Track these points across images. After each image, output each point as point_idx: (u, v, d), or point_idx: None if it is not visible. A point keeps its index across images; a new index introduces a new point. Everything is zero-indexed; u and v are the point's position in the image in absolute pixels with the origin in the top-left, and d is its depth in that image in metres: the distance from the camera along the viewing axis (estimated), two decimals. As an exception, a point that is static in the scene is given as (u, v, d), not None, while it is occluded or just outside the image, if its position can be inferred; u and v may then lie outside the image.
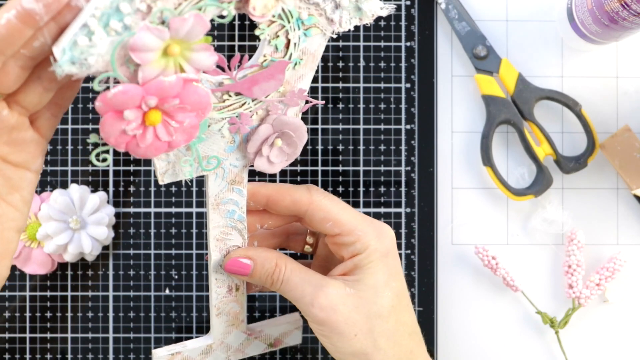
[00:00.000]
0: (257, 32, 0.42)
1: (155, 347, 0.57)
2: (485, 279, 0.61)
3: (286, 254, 0.48)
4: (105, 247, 0.59)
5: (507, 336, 0.61)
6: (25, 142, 0.36)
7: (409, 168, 0.60)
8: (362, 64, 0.60)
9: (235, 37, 0.60)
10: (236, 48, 0.60)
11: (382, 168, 0.60)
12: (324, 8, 0.43)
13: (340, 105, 0.60)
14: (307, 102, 0.45)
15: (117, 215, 0.59)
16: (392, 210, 0.60)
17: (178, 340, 0.59)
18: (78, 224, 0.56)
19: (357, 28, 0.60)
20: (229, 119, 0.44)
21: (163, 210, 0.60)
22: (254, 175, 0.59)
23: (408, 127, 0.60)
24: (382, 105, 0.60)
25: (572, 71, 0.61)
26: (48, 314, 0.59)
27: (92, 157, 0.38)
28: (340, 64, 0.60)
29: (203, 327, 0.59)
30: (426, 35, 0.60)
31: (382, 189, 0.60)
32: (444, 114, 0.61)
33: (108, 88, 0.35)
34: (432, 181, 0.60)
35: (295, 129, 0.45)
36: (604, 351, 0.61)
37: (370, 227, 0.45)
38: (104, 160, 0.40)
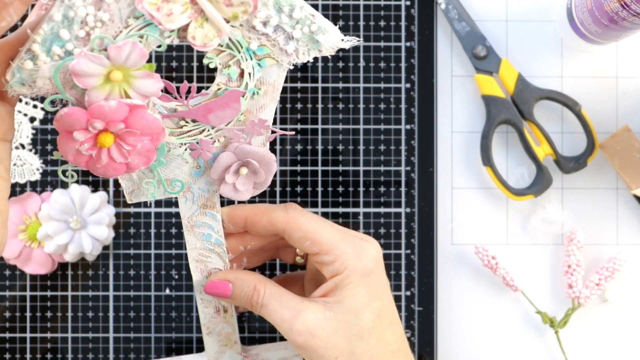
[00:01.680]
0: (205, 60, 0.42)
1: (154, 347, 0.57)
2: (485, 279, 0.61)
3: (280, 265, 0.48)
4: (106, 247, 0.59)
5: (507, 336, 0.61)
6: (1, 116, 0.37)
7: (409, 168, 0.60)
8: (362, 64, 0.60)
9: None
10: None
11: (382, 168, 0.60)
12: (276, 39, 0.42)
13: (340, 105, 0.60)
14: (273, 132, 0.45)
15: (117, 215, 0.59)
16: (392, 210, 0.60)
17: (178, 340, 0.60)
18: (78, 224, 0.56)
19: (356, 28, 0.60)
20: (190, 144, 0.44)
21: (163, 210, 0.60)
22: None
23: (408, 127, 0.60)
24: (382, 105, 0.60)
25: (571, 71, 0.61)
26: (48, 314, 0.59)
27: (60, 174, 0.41)
28: (340, 64, 0.60)
29: (203, 327, 0.59)
30: (426, 36, 0.60)
31: (382, 189, 0.60)
32: (444, 114, 0.61)
33: (65, 106, 0.37)
34: (432, 181, 0.60)
35: (260, 159, 0.45)
36: (603, 351, 0.61)
37: (350, 245, 0.45)
38: (72, 176, 0.42)
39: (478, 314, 0.61)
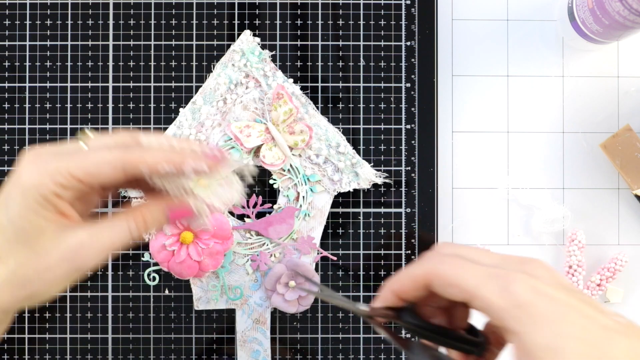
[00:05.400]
0: (271, 181, 0.57)
1: (154, 347, 0.56)
2: (486, 280, 0.61)
3: None
4: (105, 248, 0.59)
5: (507, 337, 0.61)
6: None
7: (409, 168, 0.60)
8: (362, 63, 0.60)
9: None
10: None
11: (382, 168, 0.60)
12: (325, 169, 0.56)
13: (340, 105, 0.60)
14: (318, 252, 0.57)
15: (116, 215, 0.59)
16: (392, 210, 0.60)
17: (177, 341, 0.59)
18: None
19: (356, 27, 0.60)
20: (251, 256, 0.56)
21: (162, 210, 0.60)
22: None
23: (408, 127, 0.60)
24: (382, 105, 0.60)
25: (573, 71, 0.61)
26: (47, 315, 0.59)
27: (145, 276, 0.55)
28: (340, 64, 0.60)
29: (203, 328, 0.59)
30: (426, 35, 0.60)
31: (382, 189, 0.60)
32: (444, 114, 0.61)
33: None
34: (432, 181, 0.60)
35: (306, 272, 0.55)
36: (605, 352, 0.60)
37: (492, 281, 0.35)
38: (154, 279, 0.57)
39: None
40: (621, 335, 0.34)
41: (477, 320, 0.39)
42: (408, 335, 0.53)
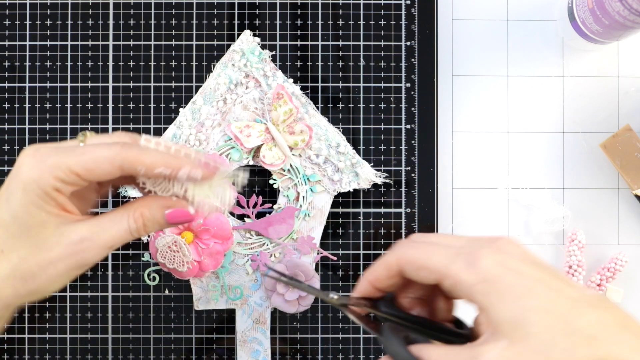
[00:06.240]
0: (271, 181, 0.57)
1: (153, 347, 0.56)
2: (486, 280, 0.61)
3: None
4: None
5: (507, 337, 0.61)
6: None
7: (409, 168, 0.60)
8: (362, 63, 0.60)
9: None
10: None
11: (382, 168, 0.60)
12: (325, 169, 0.56)
13: (340, 105, 0.60)
14: (319, 253, 0.57)
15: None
16: (392, 210, 0.60)
17: (177, 341, 0.59)
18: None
19: (356, 27, 0.60)
20: (251, 256, 0.56)
21: (162, 210, 0.60)
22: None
23: (408, 127, 0.60)
24: (382, 105, 0.60)
25: (573, 71, 0.61)
26: (47, 315, 0.59)
27: (145, 276, 0.55)
28: (340, 64, 0.60)
29: (203, 328, 0.59)
30: (426, 35, 0.60)
31: (382, 189, 0.60)
32: (444, 114, 0.61)
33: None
34: (432, 181, 0.60)
35: (306, 272, 0.55)
36: (605, 352, 0.60)
37: (459, 258, 0.35)
38: (154, 279, 0.57)
39: (479, 315, 0.61)
40: (589, 307, 0.33)
41: (467, 314, 0.39)
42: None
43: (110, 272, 0.59)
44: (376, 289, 0.40)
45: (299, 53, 0.60)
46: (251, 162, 0.56)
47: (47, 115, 0.60)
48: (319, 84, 0.60)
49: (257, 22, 0.60)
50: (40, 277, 0.39)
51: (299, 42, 0.60)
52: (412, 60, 0.60)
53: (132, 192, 0.58)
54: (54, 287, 0.40)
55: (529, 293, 0.33)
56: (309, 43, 0.60)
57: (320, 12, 0.60)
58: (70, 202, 0.39)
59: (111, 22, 0.60)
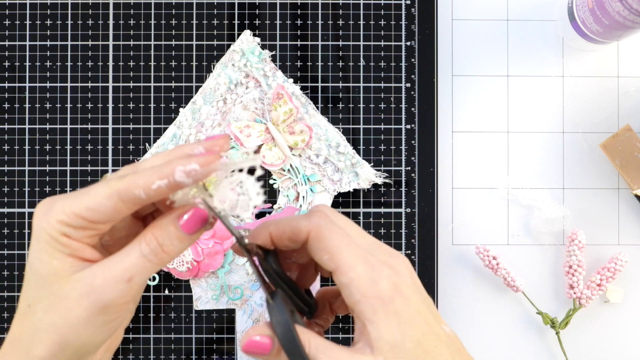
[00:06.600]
0: (271, 181, 0.57)
1: (153, 347, 0.56)
2: (486, 280, 0.61)
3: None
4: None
5: (507, 337, 0.61)
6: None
7: (409, 168, 0.60)
8: (362, 63, 0.60)
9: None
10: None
11: (382, 168, 0.60)
12: (325, 169, 0.56)
13: (340, 105, 0.60)
14: None
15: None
16: (392, 210, 0.60)
17: (177, 341, 0.59)
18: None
19: (356, 27, 0.60)
20: None
21: (162, 210, 0.60)
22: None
23: (408, 127, 0.60)
24: (382, 105, 0.60)
25: (573, 71, 0.61)
26: (47, 315, 0.59)
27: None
28: (340, 64, 0.60)
29: (203, 328, 0.59)
30: (426, 35, 0.60)
31: (382, 189, 0.60)
32: (444, 114, 0.61)
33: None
34: (432, 181, 0.60)
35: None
36: (605, 352, 0.61)
37: (367, 268, 0.38)
38: (154, 279, 0.56)
39: (479, 315, 0.61)
40: (446, 347, 0.39)
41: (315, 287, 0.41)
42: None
43: (110, 272, 0.59)
44: (271, 243, 0.41)
45: (299, 53, 0.60)
46: (252, 155, 0.56)
47: (47, 115, 0.60)
48: (319, 84, 0.60)
49: (257, 22, 0.60)
50: (64, 328, 0.37)
51: (299, 42, 0.60)
52: (412, 60, 0.60)
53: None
54: (84, 339, 0.38)
55: (410, 322, 0.38)
56: (309, 43, 0.60)
57: (320, 12, 0.60)
58: (87, 247, 0.38)
59: (111, 22, 0.60)
